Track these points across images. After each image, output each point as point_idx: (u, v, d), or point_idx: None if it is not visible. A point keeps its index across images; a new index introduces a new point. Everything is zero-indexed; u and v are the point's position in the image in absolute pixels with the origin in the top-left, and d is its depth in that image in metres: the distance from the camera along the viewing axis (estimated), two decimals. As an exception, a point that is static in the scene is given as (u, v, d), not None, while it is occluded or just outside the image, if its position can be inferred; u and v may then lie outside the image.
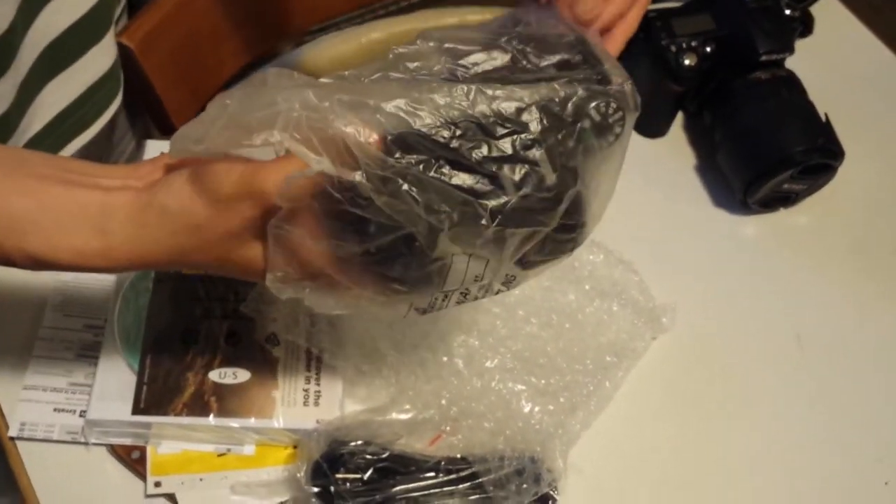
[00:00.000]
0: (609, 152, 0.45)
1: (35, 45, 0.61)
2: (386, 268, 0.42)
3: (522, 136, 0.42)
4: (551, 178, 0.43)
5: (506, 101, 0.42)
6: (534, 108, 0.42)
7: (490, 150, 0.41)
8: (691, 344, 0.67)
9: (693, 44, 0.74)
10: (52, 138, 0.67)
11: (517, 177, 0.42)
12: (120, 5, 0.73)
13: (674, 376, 0.66)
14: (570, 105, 0.43)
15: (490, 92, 0.42)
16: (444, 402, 0.59)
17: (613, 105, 0.44)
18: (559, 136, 0.43)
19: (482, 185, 0.41)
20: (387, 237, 0.41)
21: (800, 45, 0.76)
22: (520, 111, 0.42)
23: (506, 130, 0.42)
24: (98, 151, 0.75)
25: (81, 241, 0.43)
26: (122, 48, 0.73)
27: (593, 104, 0.44)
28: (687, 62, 0.73)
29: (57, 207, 0.43)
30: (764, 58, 0.73)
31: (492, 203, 0.41)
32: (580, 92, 0.43)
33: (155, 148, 0.69)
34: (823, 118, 0.72)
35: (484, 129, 0.41)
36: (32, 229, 0.43)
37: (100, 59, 0.67)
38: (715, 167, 0.76)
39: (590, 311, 0.65)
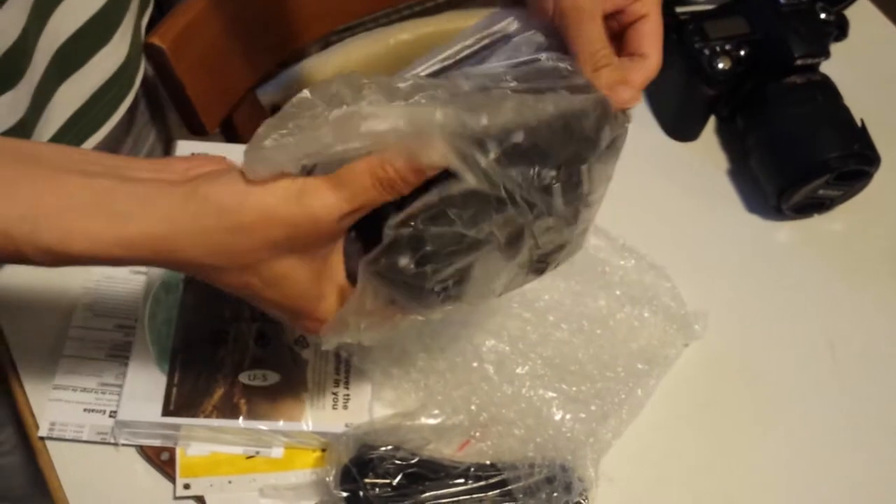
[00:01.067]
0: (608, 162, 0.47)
1: (47, 50, 0.61)
2: (457, 290, 0.44)
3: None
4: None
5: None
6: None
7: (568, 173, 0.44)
8: (723, 351, 0.66)
9: (727, 47, 0.73)
10: (66, 139, 0.67)
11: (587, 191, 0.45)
12: (147, 8, 0.73)
13: (706, 384, 0.65)
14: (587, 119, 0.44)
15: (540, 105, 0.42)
16: (473, 407, 0.59)
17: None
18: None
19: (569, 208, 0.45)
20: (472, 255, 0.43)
21: (834, 48, 0.75)
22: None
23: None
24: (114, 150, 0.75)
25: (99, 228, 0.40)
26: (153, 49, 0.73)
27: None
28: (721, 66, 0.73)
29: (73, 194, 0.41)
30: (799, 62, 0.72)
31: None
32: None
33: (185, 148, 0.69)
34: (859, 123, 0.71)
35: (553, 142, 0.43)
36: (45, 218, 0.40)
37: (109, 59, 0.67)
38: (747, 172, 0.75)
39: (620, 317, 0.64)
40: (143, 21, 0.72)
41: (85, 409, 0.60)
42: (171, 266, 0.43)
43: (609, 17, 0.50)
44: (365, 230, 0.44)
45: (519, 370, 0.60)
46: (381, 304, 0.44)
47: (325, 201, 0.41)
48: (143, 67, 0.73)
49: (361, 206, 0.42)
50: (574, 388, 0.60)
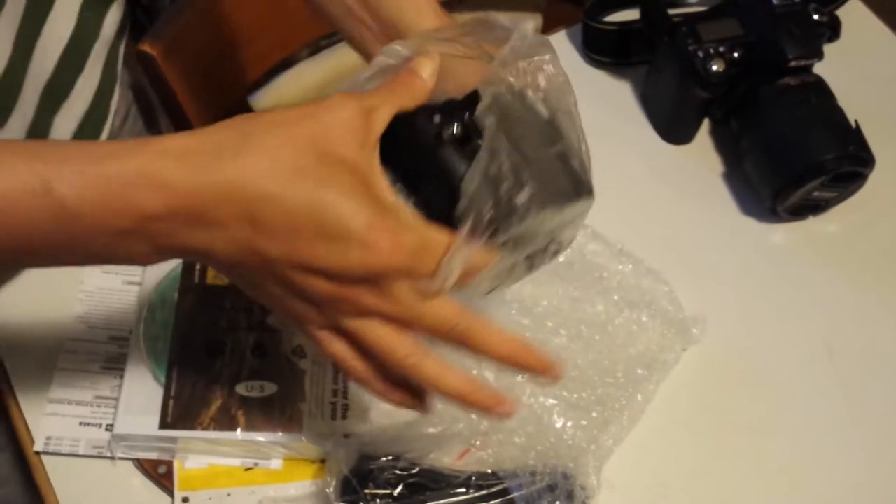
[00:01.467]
0: None
1: (37, 84, 0.60)
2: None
3: None
4: None
5: None
6: None
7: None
8: (721, 355, 0.66)
9: (720, 49, 0.73)
10: None
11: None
12: (122, 38, 0.72)
13: (705, 388, 0.65)
14: None
15: None
16: (473, 416, 0.58)
17: None
18: None
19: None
20: None
21: (827, 49, 0.75)
22: None
23: None
24: None
25: (130, 144, 0.39)
26: (144, 56, 0.73)
27: None
28: (714, 68, 0.72)
29: (102, 144, 0.40)
30: (793, 63, 0.72)
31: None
32: None
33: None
34: (853, 124, 0.71)
35: None
36: (73, 152, 0.38)
37: (87, 87, 0.66)
38: (742, 174, 0.75)
39: (619, 322, 0.64)
40: (118, 50, 0.71)
41: (81, 423, 0.59)
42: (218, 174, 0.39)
43: None
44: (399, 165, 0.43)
45: (519, 377, 0.60)
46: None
47: (342, 94, 0.41)
48: (116, 96, 0.71)
49: (381, 100, 0.42)
50: (575, 395, 0.59)
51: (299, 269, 0.40)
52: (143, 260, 0.41)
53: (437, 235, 0.42)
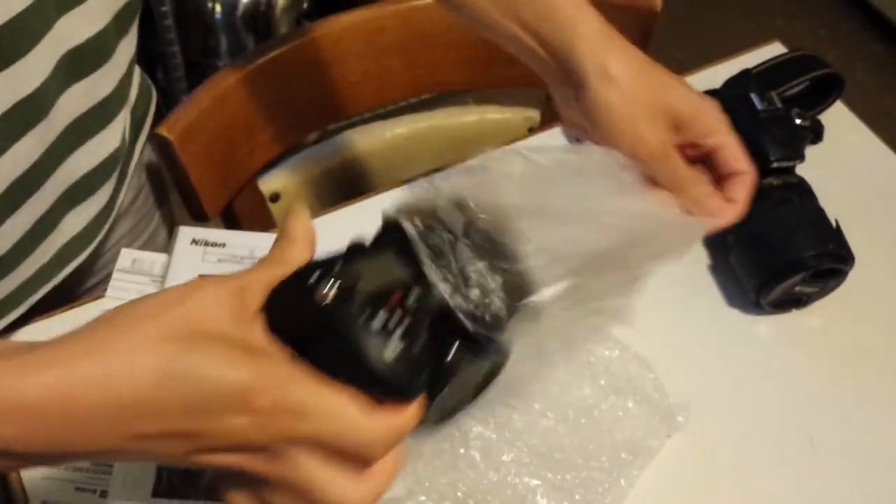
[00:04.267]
0: None
1: (58, 186, 0.64)
2: None
3: None
4: None
5: None
6: None
7: None
8: (705, 442, 0.68)
9: (707, 149, 0.77)
10: (67, 255, 0.70)
11: None
12: (134, 151, 0.76)
13: (688, 475, 0.66)
14: None
15: None
16: (460, 494, 0.60)
17: None
18: None
19: None
20: None
21: (810, 151, 0.78)
22: None
23: None
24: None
25: None
26: (162, 140, 0.76)
27: None
28: (701, 166, 0.76)
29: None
30: (775, 165, 0.75)
31: None
32: None
33: (187, 234, 0.71)
34: (834, 224, 0.74)
35: None
36: None
37: (106, 194, 0.71)
38: (728, 267, 0.78)
39: (605, 407, 0.66)
40: (129, 168, 0.75)
41: (77, 489, 0.60)
42: None
43: (684, 147, 0.55)
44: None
45: (505, 457, 0.61)
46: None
47: (204, 277, 0.38)
48: (116, 209, 0.75)
49: (252, 277, 0.38)
50: (559, 477, 0.61)
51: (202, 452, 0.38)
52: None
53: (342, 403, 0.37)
